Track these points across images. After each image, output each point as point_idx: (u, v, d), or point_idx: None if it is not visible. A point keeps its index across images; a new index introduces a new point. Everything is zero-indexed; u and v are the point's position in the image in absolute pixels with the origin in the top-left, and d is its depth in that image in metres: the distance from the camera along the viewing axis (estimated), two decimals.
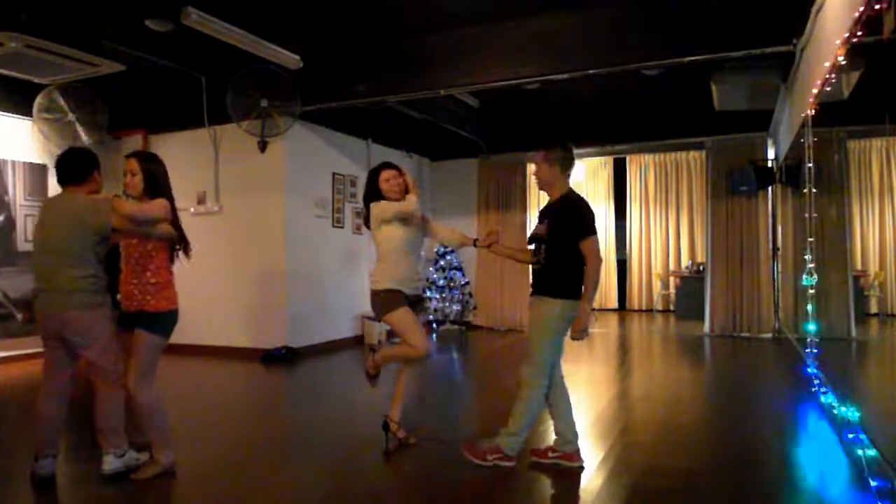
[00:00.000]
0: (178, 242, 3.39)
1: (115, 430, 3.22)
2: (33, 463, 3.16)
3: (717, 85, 6.20)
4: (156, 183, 3.33)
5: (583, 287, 3.32)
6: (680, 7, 5.29)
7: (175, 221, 3.36)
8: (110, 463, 3.21)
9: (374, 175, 3.83)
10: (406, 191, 3.75)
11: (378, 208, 3.72)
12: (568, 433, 3.43)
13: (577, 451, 3.43)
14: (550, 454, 3.45)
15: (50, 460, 3.19)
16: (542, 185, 3.53)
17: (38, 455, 3.16)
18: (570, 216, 3.35)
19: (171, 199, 3.35)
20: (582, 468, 3.37)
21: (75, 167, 3.24)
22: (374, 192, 3.79)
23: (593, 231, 3.32)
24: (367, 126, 8.39)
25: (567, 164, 3.47)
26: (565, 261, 3.32)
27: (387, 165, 3.85)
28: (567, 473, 3.32)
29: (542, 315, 3.37)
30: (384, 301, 3.66)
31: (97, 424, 3.21)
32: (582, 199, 3.46)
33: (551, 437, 3.56)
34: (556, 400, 3.47)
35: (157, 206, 3.22)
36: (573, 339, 3.33)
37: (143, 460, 3.32)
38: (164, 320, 3.28)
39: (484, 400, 5.48)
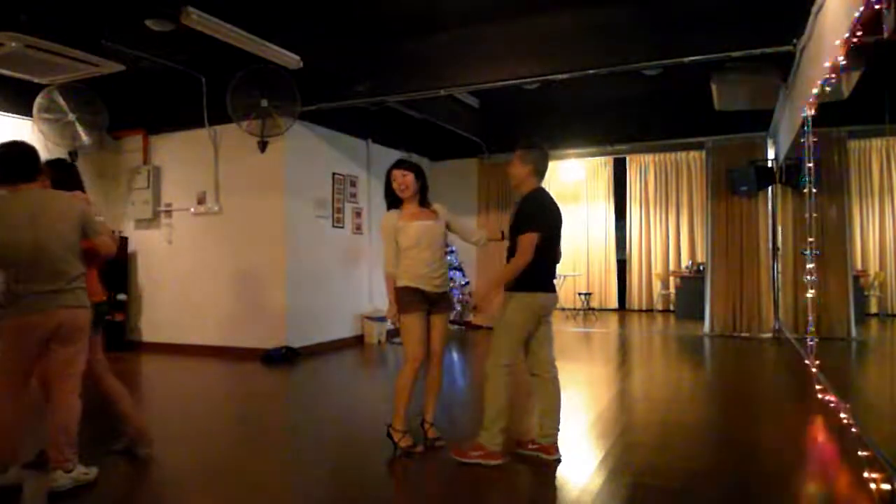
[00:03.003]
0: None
1: (70, 443, 3.03)
2: None
3: (717, 85, 6.20)
4: (67, 183, 3.42)
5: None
6: (680, 7, 5.30)
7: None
8: (59, 479, 2.99)
9: (388, 174, 3.84)
10: (418, 191, 3.76)
11: (382, 222, 3.81)
12: (547, 427, 3.53)
13: (555, 444, 3.52)
14: (531, 445, 3.56)
15: (14, 470, 3.03)
16: (514, 183, 3.62)
17: None
18: (518, 211, 3.47)
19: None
20: (558, 461, 3.45)
21: (24, 164, 3.09)
22: (390, 192, 3.81)
23: (531, 227, 3.36)
24: (367, 126, 8.38)
25: (541, 167, 3.57)
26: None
27: (397, 165, 3.82)
28: (566, 474, 3.32)
29: (502, 308, 3.48)
30: (397, 300, 3.67)
31: (52, 436, 3.01)
32: (537, 196, 3.52)
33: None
34: (542, 394, 3.56)
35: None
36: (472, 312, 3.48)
37: (91, 476, 3.11)
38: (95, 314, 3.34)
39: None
